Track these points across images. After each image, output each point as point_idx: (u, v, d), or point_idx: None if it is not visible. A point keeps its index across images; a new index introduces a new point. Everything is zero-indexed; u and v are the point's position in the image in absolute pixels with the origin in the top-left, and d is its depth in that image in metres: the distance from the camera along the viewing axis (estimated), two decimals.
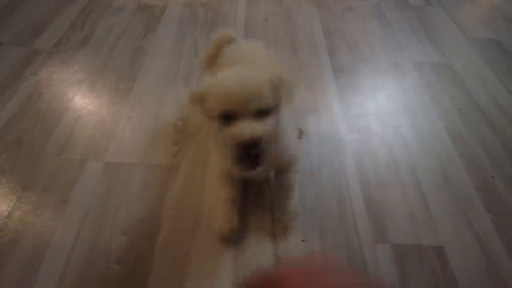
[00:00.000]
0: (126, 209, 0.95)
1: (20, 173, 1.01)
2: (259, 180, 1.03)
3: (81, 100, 1.24)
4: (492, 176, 1.14)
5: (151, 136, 1.13)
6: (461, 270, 0.91)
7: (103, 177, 1.02)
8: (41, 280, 0.81)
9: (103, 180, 1.01)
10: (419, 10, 1.92)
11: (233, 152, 0.71)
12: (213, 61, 1.02)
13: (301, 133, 1.16)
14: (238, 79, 0.69)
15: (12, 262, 0.83)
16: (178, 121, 1.18)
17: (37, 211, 0.93)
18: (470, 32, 1.79)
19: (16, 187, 0.98)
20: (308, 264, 0.32)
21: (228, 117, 0.68)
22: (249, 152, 0.69)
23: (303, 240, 0.92)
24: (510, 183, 1.12)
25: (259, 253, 0.89)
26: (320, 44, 1.58)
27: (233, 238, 0.90)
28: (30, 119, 1.15)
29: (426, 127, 1.27)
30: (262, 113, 0.69)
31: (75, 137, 1.12)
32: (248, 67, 0.79)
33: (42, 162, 1.04)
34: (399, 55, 1.58)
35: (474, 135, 1.27)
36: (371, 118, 1.27)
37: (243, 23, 1.65)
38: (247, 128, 0.67)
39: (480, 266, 0.92)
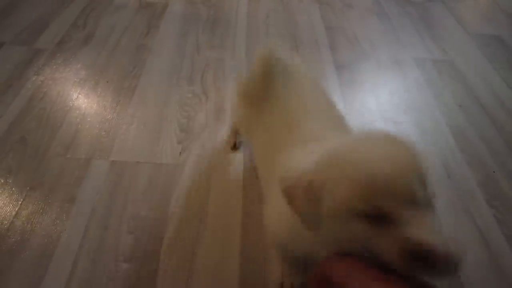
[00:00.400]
0: (133, 208, 0.96)
1: (26, 173, 1.01)
2: None
3: (84, 99, 1.24)
4: (494, 172, 1.15)
5: (156, 135, 1.14)
6: (464, 265, 0.91)
7: (109, 176, 1.02)
8: (50, 279, 0.82)
9: (109, 179, 1.02)
10: (419, 6, 1.92)
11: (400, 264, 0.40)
12: (259, 93, 0.77)
13: None
14: (390, 156, 0.43)
15: (20, 261, 0.84)
16: (182, 119, 1.19)
17: (44, 211, 0.94)
18: (471, 28, 1.79)
19: (22, 187, 0.98)
20: None
21: (374, 216, 0.42)
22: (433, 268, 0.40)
23: None
24: (511, 178, 1.13)
25: (267, 247, 0.90)
26: (322, 41, 1.58)
27: None
28: (34, 118, 1.16)
29: (428, 124, 1.27)
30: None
31: (79, 136, 1.12)
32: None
33: (47, 162, 1.04)
34: (400, 51, 1.59)
35: (476, 131, 1.27)
36: (374, 115, 1.28)
37: (245, 20, 1.65)
38: (433, 233, 0.40)
39: (483, 260, 0.93)
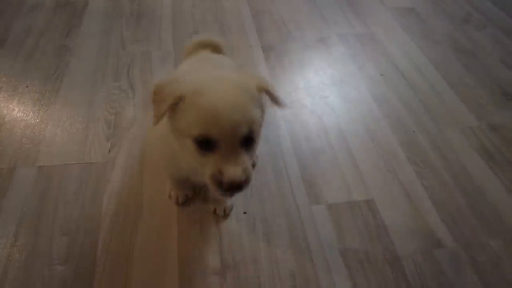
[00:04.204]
0: (64, 210, 0.94)
1: None
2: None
3: (3, 106, 1.18)
4: (413, 131, 1.25)
5: (83, 135, 1.11)
6: (390, 217, 1.00)
7: (37, 182, 0.99)
8: None
9: (37, 185, 0.98)
10: None
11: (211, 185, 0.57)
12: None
13: None
14: (224, 94, 0.54)
15: None
16: (110, 116, 1.16)
17: None
18: (388, 2, 1.90)
19: None
20: None
21: (205, 141, 0.55)
22: (232, 191, 0.56)
23: (244, 213, 0.97)
24: (427, 134, 1.23)
25: (204, 230, 0.92)
26: (249, 26, 1.61)
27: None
28: None
29: (353, 95, 1.35)
30: (249, 139, 0.56)
31: (0, 145, 1.06)
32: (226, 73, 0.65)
33: None
34: (325, 29, 1.66)
35: (396, 96, 1.37)
36: (301, 92, 1.33)
37: (170, 11, 1.63)
38: (234, 171, 0.54)
39: (405, 210, 1.02)
